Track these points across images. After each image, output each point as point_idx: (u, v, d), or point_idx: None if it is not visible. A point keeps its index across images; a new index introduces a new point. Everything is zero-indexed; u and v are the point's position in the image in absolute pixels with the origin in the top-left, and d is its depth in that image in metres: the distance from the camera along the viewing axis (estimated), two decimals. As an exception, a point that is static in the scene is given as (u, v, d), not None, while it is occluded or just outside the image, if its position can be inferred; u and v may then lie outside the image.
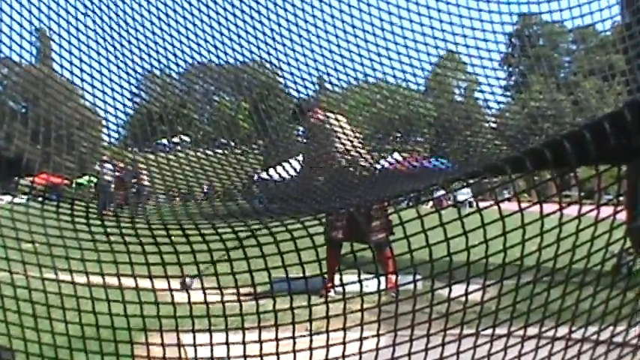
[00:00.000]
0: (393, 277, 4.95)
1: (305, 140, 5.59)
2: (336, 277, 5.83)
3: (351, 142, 4.68)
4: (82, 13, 3.29)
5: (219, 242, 2.03)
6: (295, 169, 4.61)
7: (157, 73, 4.03)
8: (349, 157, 4.48)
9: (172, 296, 2.14)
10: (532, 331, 1.88)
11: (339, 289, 5.31)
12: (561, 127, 4.42)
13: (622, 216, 1.88)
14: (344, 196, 3.41)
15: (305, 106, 5.13)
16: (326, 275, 5.64)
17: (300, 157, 5.07)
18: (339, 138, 4.83)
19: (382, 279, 3.48)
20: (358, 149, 4.50)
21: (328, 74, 4.10)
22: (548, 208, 1.79)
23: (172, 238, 2.11)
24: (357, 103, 4.96)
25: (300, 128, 5.71)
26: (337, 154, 4.73)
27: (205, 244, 2.04)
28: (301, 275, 2.09)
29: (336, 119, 4.92)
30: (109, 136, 3.79)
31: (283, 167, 4.27)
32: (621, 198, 1.91)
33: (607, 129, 1.39)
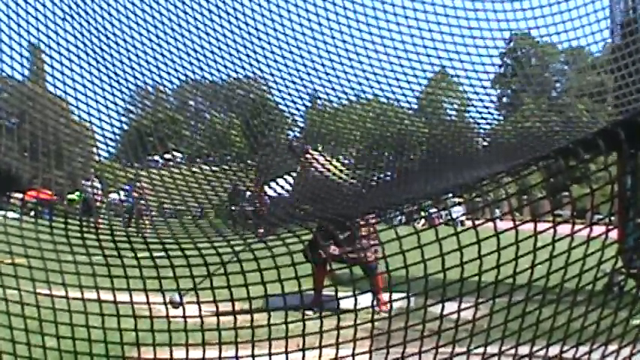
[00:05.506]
0: (385, 296, 4.93)
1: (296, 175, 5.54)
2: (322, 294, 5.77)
3: (339, 177, 4.65)
4: (76, 30, 3.30)
5: (215, 256, 2.04)
6: (286, 189, 4.61)
7: (150, 89, 4.03)
8: (340, 188, 4.46)
9: (167, 311, 2.14)
10: (524, 350, 1.88)
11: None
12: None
13: (614, 235, 1.89)
14: (337, 212, 3.41)
15: (297, 150, 5.07)
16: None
17: (292, 179, 5.05)
18: (328, 172, 4.78)
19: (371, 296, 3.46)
20: (347, 182, 4.47)
21: (323, 92, 4.13)
22: (541, 226, 1.80)
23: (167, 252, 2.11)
24: (352, 121, 4.97)
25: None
26: (328, 186, 4.70)
27: (201, 258, 2.04)
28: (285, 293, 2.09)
29: (324, 157, 4.90)
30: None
31: (276, 183, 4.27)
32: (613, 217, 1.93)
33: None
